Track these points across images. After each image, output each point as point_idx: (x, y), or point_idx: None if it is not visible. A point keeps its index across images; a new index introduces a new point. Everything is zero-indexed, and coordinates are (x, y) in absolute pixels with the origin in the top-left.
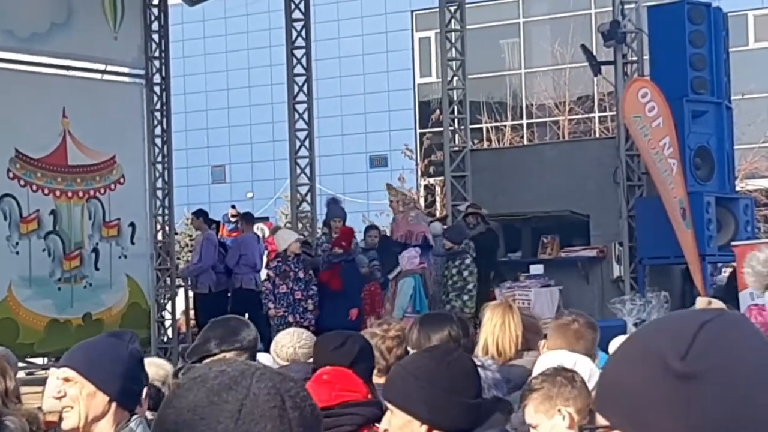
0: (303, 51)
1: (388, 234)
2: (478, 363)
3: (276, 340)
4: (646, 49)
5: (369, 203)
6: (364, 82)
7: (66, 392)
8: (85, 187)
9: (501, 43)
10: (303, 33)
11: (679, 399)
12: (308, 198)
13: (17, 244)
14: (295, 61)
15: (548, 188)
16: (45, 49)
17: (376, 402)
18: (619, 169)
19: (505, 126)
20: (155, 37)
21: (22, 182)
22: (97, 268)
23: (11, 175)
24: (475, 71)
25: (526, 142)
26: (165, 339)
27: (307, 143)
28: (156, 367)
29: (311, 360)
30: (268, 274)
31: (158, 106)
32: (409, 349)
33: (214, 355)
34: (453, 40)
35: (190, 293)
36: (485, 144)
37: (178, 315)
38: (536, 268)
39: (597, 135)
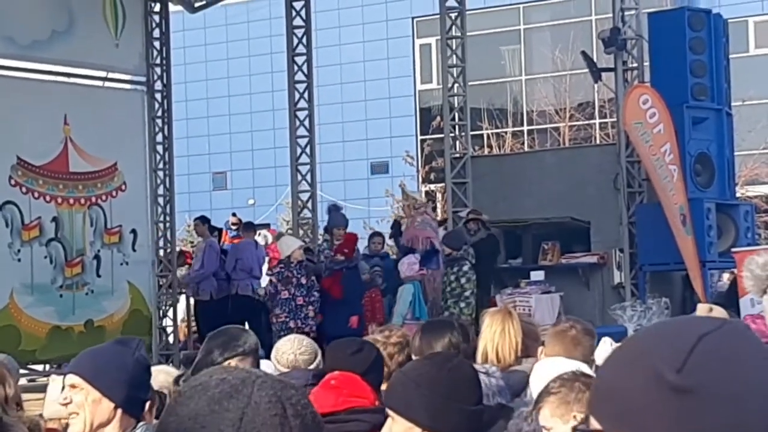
0: (304, 58)
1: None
2: (482, 370)
3: (277, 347)
4: (646, 56)
5: (370, 210)
6: (365, 88)
7: (72, 399)
8: (86, 194)
9: (502, 49)
10: (304, 40)
11: (672, 411)
12: (309, 204)
13: (19, 251)
14: (296, 68)
15: (549, 195)
16: (46, 57)
17: (382, 409)
18: (619, 176)
19: (506, 132)
20: (156, 44)
21: (23, 189)
22: (98, 275)
23: (13, 182)
24: (476, 78)
25: (526, 149)
26: (166, 345)
27: (308, 150)
28: (165, 375)
29: (312, 366)
30: (270, 280)
31: (159, 113)
32: (413, 356)
33: (219, 364)
34: (454, 47)
35: (191, 300)
36: (486, 150)
37: (179, 322)
38: (537, 275)
39: (597, 141)
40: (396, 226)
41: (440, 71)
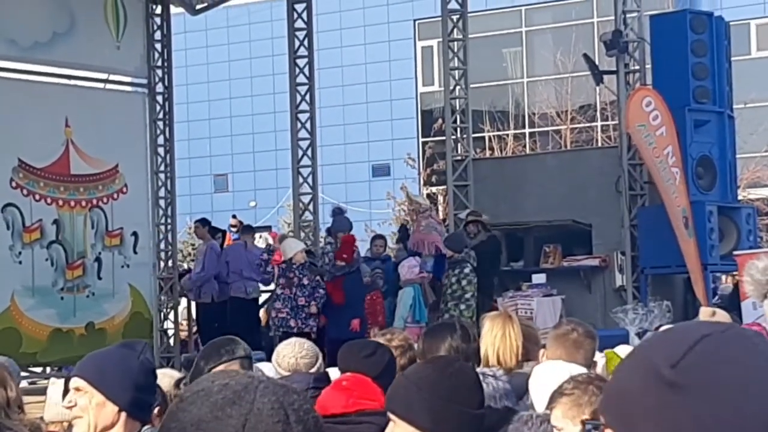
0: (305, 60)
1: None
2: (490, 373)
3: (278, 351)
4: (648, 59)
5: (371, 212)
6: (367, 91)
7: (76, 402)
8: (87, 197)
9: (503, 52)
10: (305, 42)
11: (665, 407)
12: (311, 207)
13: (20, 253)
14: (297, 70)
15: (550, 197)
16: (47, 59)
17: None
18: (621, 178)
19: (508, 135)
20: (158, 46)
21: (25, 191)
22: (99, 278)
23: (14, 184)
24: (478, 80)
25: (528, 151)
26: (167, 348)
27: (309, 152)
28: (170, 378)
29: (313, 370)
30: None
31: (161, 115)
32: (417, 359)
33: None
34: (455, 49)
35: (193, 303)
36: (487, 153)
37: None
38: (538, 278)
39: (599, 144)
40: (403, 230)
41: (442, 73)
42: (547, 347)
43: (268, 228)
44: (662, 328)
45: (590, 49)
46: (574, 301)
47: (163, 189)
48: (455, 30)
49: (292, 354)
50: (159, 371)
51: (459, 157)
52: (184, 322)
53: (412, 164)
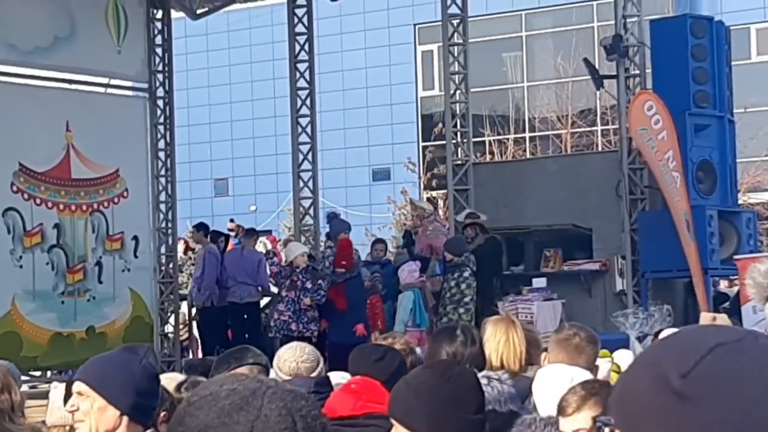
0: (306, 64)
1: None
2: (495, 377)
3: (278, 355)
4: (648, 63)
5: (372, 216)
6: (367, 95)
7: (78, 406)
8: (88, 201)
9: (504, 56)
10: (306, 46)
11: (671, 416)
12: (311, 211)
13: (21, 257)
14: (298, 74)
15: (551, 202)
16: (48, 63)
17: None
18: (621, 183)
19: (508, 139)
20: (158, 50)
21: (25, 196)
22: (100, 282)
23: (15, 188)
24: (478, 85)
25: (528, 156)
26: (168, 352)
27: (310, 156)
28: (173, 382)
29: (314, 374)
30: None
31: (161, 120)
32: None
33: None
34: (456, 54)
35: (194, 307)
36: (488, 157)
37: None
38: (539, 282)
39: (599, 148)
40: (408, 236)
41: (442, 78)
42: (549, 351)
43: (268, 232)
44: (677, 332)
45: (590, 54)
46: (575, 305)
47: (163, 193)
48: (455, 34)
49: (293, 358)
50: (164, 375)
51: (459, 162)
52: (186, 326)
53: (412, 168)
